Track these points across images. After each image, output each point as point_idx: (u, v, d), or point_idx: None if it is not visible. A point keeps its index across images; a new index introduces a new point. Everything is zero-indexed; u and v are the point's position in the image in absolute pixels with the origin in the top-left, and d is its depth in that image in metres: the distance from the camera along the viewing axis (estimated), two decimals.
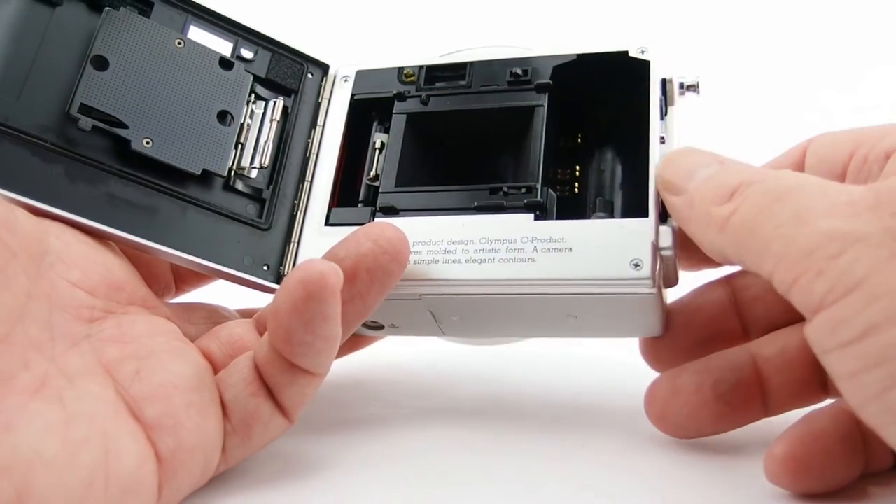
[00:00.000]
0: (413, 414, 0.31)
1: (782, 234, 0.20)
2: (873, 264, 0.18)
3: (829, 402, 0.25)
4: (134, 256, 0.28)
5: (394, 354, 0.32)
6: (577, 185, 0.31)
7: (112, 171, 0.27)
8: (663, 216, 0.26)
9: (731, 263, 0.25)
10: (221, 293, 0.31)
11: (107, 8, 0.28)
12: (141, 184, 0.27)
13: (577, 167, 0.32)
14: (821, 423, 0.23)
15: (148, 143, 0.27)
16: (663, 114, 0.29)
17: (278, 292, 0.23)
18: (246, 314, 0.30)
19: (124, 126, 0.27)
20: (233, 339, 0.27)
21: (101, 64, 0.27)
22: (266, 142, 0.31)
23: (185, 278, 0.32)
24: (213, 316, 0.30)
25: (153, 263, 0.30)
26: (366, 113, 0.33)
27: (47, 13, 0.27)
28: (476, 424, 0.30)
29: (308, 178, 0.31)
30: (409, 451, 0.28)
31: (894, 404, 0.18)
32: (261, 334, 0.27)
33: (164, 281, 0.31)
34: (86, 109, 0.27)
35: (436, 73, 0.32)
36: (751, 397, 0.26)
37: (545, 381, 0.34)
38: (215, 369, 0.26)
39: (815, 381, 0.26)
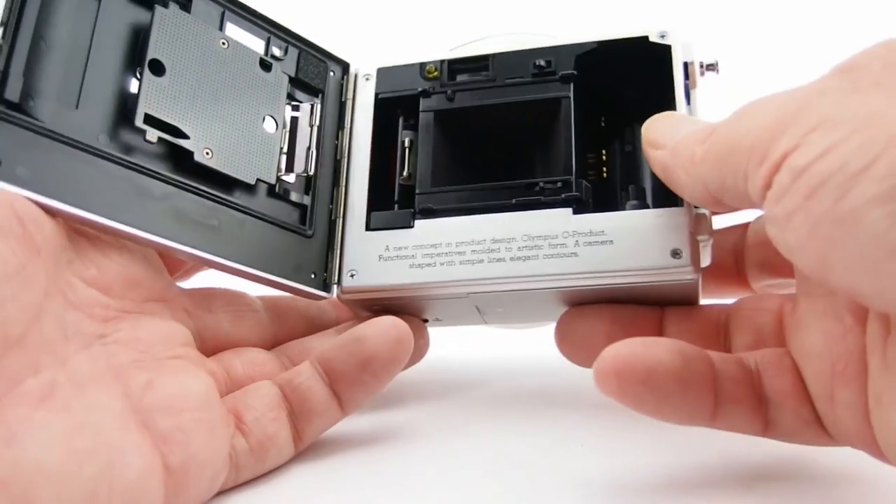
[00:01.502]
0: (413, 414, 0.31)
1: (755, 129, 0.20)
2: (833, 103, 0.18)
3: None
4: None
5: None
6: (605, 169, 0.32)
7: (174, 184, 0.26)
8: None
9: (715, 199, 0.23)
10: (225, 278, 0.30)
11: (157, 5, 0.26)
12: (201, 196, 0.27)
13: (604, 151, 0.32)
14: (659, 354, 0.22)
15: (208, 153, 0.27)
16: (688, 96, 0.29)
17: (370, 326, 0.26)
18: (269, 302, 0.30)
19: (185, 136, 0.26)
20: (255, 362, 0.28)
21: (158, 69, 0.26)
22: (309, 148, 0.30)
23: None
24: (234, 303, 0.30)
25: None
26: (391, 111, 0.32)
27: (93, 6, 0.25)
28: (476, 424, 0.30)
29: (342, 182, 0.31)
30: (407, 451, 0.28)
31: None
32: (285, 366, 0.29)
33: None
34: (150, 120, 0.25)
35: (458, 67, 0.32)
36: (646, 329, 0.28)
37: (545, 381, 0.34)
38: (236, 386, 0.27)
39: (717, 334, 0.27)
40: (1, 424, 0.19)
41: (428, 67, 0.32)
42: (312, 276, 0.29)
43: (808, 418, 0.22)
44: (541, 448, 0.27)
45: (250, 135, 0.28)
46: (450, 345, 0.35)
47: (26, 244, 0.21)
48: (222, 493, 0.25)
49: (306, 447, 0.27)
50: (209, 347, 0.28)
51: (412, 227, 0.29)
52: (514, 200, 0.29)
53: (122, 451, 0.21)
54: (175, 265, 0.29)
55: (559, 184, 0.29)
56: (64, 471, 0.20)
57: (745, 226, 0.29)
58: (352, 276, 0.29)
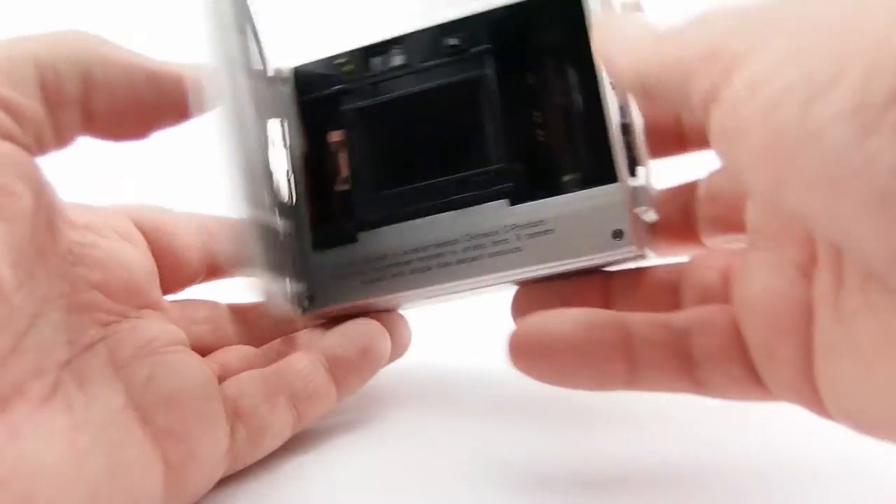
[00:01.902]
0: (412, 415, 0.31)
1: (708, 33, 0.18)
2: (799, 4, 0.16)
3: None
4: (164, 247, 0.28)
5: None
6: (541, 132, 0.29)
7: None
8: (632, 170, 0.26)
9: (646, 94, 0.21)
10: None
11: None
12: None
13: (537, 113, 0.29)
14: (558, 326, 0.23)
15: None
16: None
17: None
18: (236, 309, 0.31)
19: None
20: (248, 356, 0.29)
21: None
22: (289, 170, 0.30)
23: (216, 270, 0.31)
24: (213, 315, 0.30)
25: (183, 252, 0.29)
26: (317, 113, 0.30)
27: None
28: (475, 424, 0.30)
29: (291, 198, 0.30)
30: (408, 450, 0.28)
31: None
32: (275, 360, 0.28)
33: (194, 269, 0.30)
34: None
35: (370, 56, 0.30)
36: (592, 298, 0.27)
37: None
38: (228, 375, 0.27)
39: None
40: (3, 425, 0.20)
41: (339, 62, 0.30)
42: None
43: (738, 375, 0.22)
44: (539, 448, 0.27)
45: None
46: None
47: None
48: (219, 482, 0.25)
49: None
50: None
51: (356, 240, 0.29)
52: (449, 199, 0.28)
53: (124, 448, 0.22)
54: (196, 273, 0.30)
55: (491, 174, 0.28)
56: (65, 469, 0.20)
57: (695, 183, 0.27)
58: (309, 298, 0.29)
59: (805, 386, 0.20)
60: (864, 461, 0.23)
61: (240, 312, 0.31)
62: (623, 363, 0.23)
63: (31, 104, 0.22)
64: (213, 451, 0.24)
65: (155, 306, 0.27)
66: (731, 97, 0.16)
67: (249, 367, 0.28)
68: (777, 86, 0.15)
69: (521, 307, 0.28)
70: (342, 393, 0.28)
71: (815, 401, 0.20)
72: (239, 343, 0.30)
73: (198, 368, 0.26)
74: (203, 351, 0.28)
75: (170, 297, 0.29)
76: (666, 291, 0.26)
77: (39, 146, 0.23)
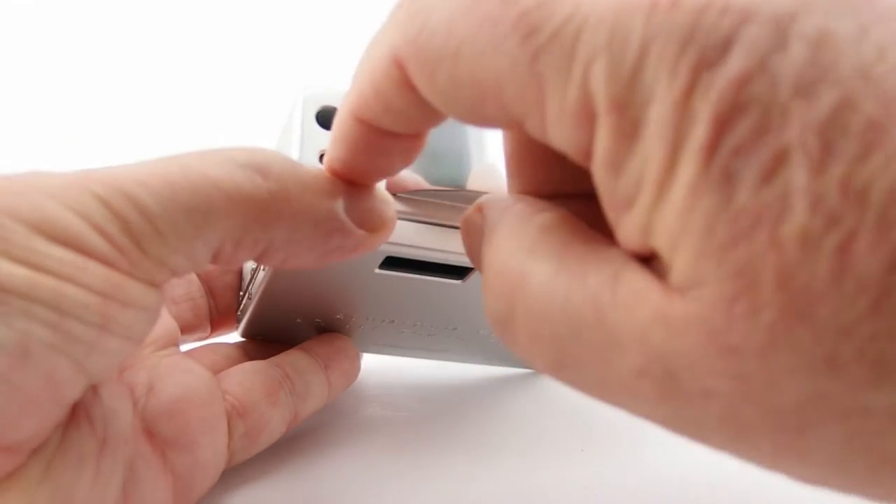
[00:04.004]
0: (411, 416, 0.31)
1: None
2: None
3: None
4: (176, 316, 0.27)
5: (392, 356, 0.32)
6: None
7: None
8: None
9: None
10: None
11: None
12: None
13: None
14: None
15: None
16: None
17: None
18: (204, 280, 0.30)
19: None
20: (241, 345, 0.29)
21: None
22: None
23: (221, 323, 0.30)
24: (189, 292, 0.29)
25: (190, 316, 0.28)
26: None
27: None
28: (475, 426, 0.30)
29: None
30: (407, 452, 0.28)
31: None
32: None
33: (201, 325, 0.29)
34: None
35: None
36: None
37: (543, 384, 0.35)
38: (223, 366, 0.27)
39: None
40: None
41: None
42: None
43: None
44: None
45: None
46: None
47: None
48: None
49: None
50: None
51: None
52: None
53: (134, 467, 0.21)
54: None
55: None
56: (92, 498, 0.19)
57: None
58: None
59: None
60: None
61: (206, 282, 0.30)
62: None
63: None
64: (215, 455, 0.24)
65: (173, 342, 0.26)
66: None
67: (235, 363, 0.27)
68: None
69: None
70: (332, 395, 0.28)
71: None
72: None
73: (197, 373, 0.25)
74: (186, 330, 0.28)
75: None
76: None
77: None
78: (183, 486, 0.22)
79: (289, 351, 0.28)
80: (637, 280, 0.12)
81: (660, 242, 0.11)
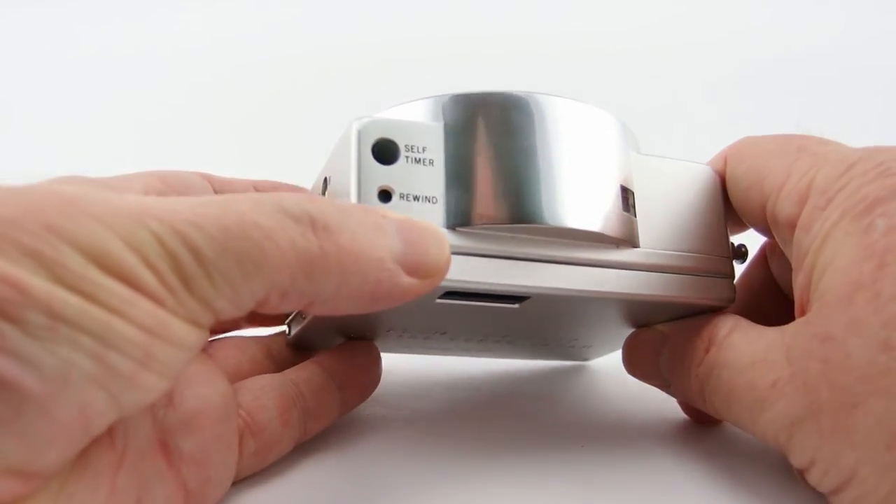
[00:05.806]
0: (413, 415, 0.31)
1: None
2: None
3: None
4: None
5: (392, 356, 0.32)
6: None
7: None
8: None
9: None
10: None
11: None
12: None
13: None
14: None
15: None
16: None
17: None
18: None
19: None
20: (257, 358, 0.28)
21: None
22: None
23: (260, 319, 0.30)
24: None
25: None
26: None
27: None
28: (476, 425, 0.30)
29: None
30: (409, 451, 0.28)
31: None
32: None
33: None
34: None
35: None
36: None
37: (544, 382, 0.35)
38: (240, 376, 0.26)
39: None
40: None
41: None
42: None
43: None
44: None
45: None
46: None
47: None
48: None
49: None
50: None
51: None
52: None
53: (148, 483, 0.20)
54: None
55: None
56: None
57: None
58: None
59: None
60: None
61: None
62: None
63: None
64: (227, 473, 0.23)
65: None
66: None
67: (259, 367, 0.27)
68: None
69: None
70: (343, 411, 0.28)
71: None
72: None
73: (217, 386, 0.24)
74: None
75: None
76: None
77: None
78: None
79: (305, 364, 0.27)
80: None
81: None
